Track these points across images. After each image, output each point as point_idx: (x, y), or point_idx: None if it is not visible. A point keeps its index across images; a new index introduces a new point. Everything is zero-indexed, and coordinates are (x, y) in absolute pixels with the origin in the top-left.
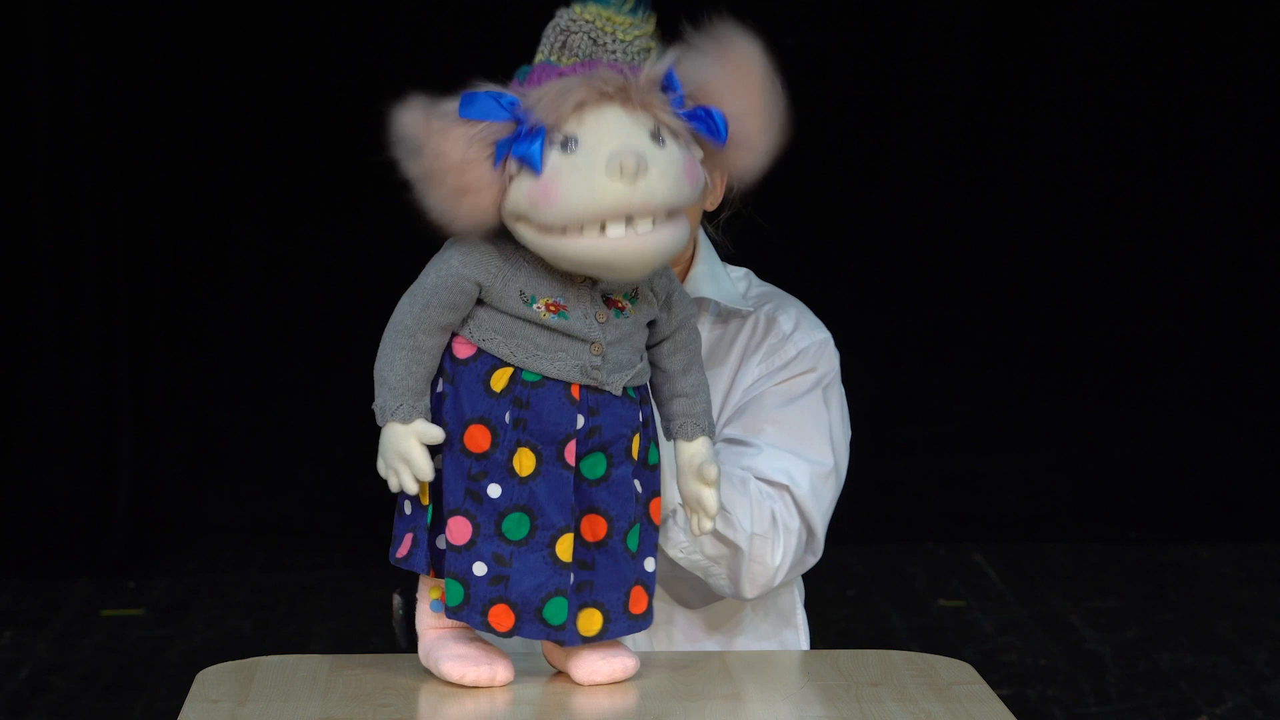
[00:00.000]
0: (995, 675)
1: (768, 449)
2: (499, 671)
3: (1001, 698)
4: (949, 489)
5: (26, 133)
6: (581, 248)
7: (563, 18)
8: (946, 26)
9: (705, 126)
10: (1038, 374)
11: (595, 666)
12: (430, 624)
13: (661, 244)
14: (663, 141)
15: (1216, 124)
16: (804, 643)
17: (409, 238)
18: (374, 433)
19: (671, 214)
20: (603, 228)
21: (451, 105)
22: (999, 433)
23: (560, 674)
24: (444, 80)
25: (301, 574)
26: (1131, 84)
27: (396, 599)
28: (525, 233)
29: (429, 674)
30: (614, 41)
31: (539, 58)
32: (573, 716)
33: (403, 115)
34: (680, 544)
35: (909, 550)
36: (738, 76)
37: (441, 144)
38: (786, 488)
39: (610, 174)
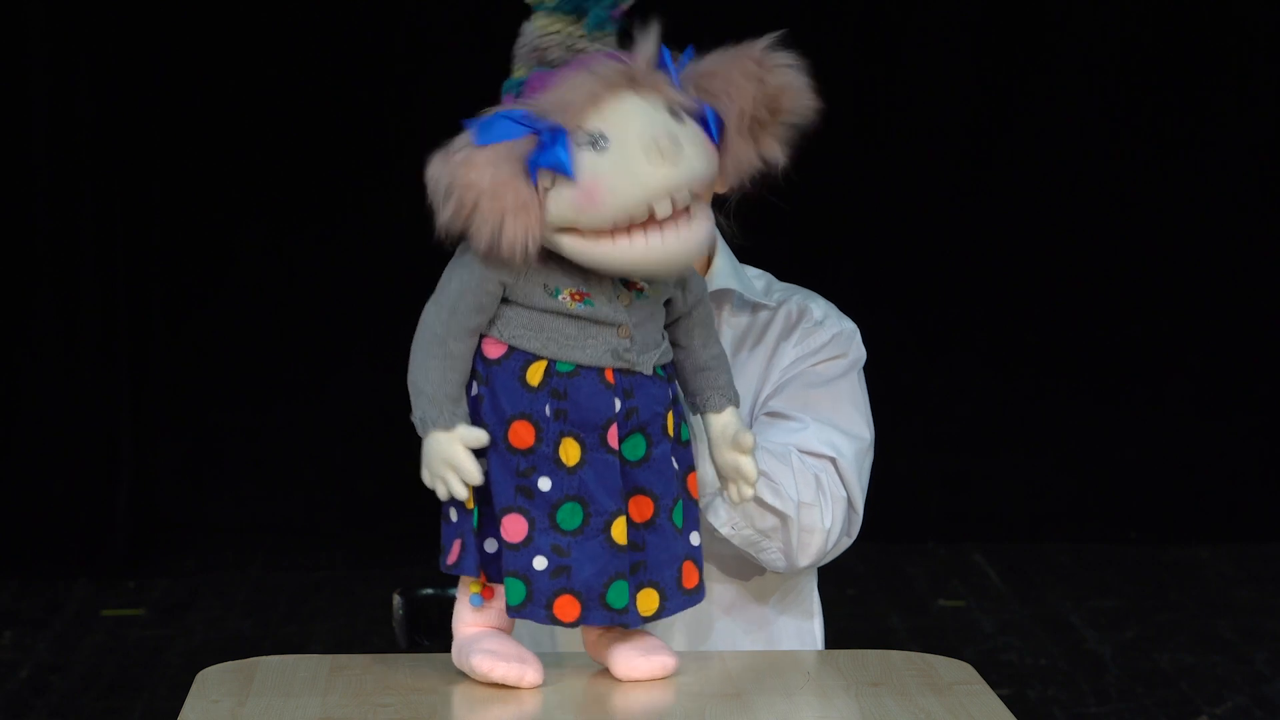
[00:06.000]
0: (995, 675)
1: (812, 424)
2: (528, 673)
3: (1001, 698)
4: (949, 489)
5: (26, 132)
6: (634, 252)
7: (530, 35)
8: (949, 26)
9: (700, 120)
10: (1038, 374)
11: (635, 663)
12: (467, 620)
13: (702, 235)
14: (681, 118)
15: (1217, 123)
16: (819, 629)
17: (409, 239)
18: (374, 433)
19: (704, 191)
20: (650, 217)
21: (465, 138)
22: (999, 433)
23: (602, 672)
24: (444, 83)
25: (301, 574)
26: (1132, 84)
27: (396, 599)
28: (572, 244)
29: (428, 674)
30: (589, 44)
31: (520, 73)
32: (571, 713)
33: (428, 169)
34: (732, 520)
35: (909, 550)
36: (742, 81)
37: (468, 174)
38: (832, 459)
39: (650, 159)
